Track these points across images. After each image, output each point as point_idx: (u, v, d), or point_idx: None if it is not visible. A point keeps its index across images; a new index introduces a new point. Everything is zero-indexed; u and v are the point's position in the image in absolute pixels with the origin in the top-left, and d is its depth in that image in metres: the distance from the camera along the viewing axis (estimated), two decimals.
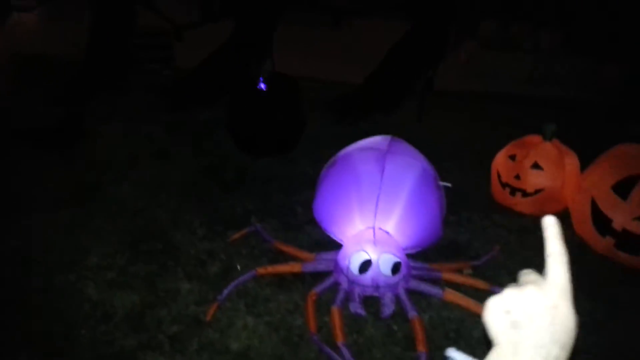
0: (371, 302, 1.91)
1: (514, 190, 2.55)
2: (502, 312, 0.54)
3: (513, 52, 4.70)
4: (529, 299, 0.53)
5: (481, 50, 4.71)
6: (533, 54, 4.65)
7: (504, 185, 2.58)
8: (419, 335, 1.75)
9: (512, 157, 2.57)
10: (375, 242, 1.95)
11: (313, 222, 2.27)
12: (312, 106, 3.22)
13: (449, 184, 2.34)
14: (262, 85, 2.94)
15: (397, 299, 1.89)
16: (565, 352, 0.52)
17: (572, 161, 2.53)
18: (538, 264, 1.90)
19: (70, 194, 2.50)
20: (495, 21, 4.74)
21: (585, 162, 2.53)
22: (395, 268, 1.88)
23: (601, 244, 2.28)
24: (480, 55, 4.62)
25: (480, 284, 2.01)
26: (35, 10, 5.19)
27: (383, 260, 1.88)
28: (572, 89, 4.24)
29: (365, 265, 1.88)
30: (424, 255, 2.16)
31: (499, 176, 2.62)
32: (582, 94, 4.14)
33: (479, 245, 2.36)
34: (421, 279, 2.00)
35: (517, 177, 2.52)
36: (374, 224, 2.03)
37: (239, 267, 2.07)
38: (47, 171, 2.67)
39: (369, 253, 1.89)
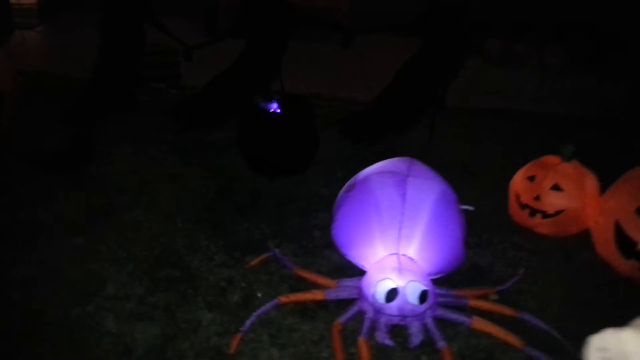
0: (398, 330, 1.86)
1: (533, 212, 2.52)
2: (598, 349, 0.59)
3: (518, 70, 4.70)
4: (626, 340, 0.57)
5: (486, 67, 4.70)
6: (538, 72, 4.65)
7: (523, 206, 2.55)
8: None
9: (531, 178, 2.55)
10: (400, 270, 1.91)
11: (332, 247, 2.23)
12: (323, 125, 3.19)
13: (471, 207, 2.31)
14: (274, 106, 2.91)
15: (425, 328, 1.84)
16: None
17: (591, 182, 2.50)
18: (561, 287, 1.86)
19: (82, 219, 2.44)
20: (500, 38, 4.75)
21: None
22: (423, 297, 1.83)
23: (625, 266, 2.24)
24: (485, 72, 4.61)
25: (507, 310, 1.96)
26: (39, 27, 5.15)
27: (410, 289, 1.83)
28: (578, 107, 4.24)
29: (392, 294, 1.83)
30: (447, 281, 2.11)
31: (517, 197, 2.59)
32: (588, 112, 4.14)
33: (501, 268, 2.32)
34: (447, 306, 1.96)
35: (537, 198, 2.49)
36: (397, 250, 1.99)
37: (259, 295, 2.02)
38: (56, 196, 2.61)
39: (395, 281, 1.85)
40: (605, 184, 2.49)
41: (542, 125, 3.85)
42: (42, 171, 2.82)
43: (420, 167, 2.28)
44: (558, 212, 2.47)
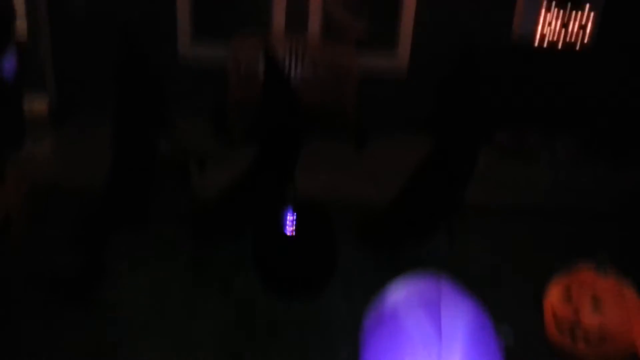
0: None
1: (572, 330, 2.34)
2: None
3: (531, 162, 4.67)
4: None
5: (498, 160, 4.66)
6: (551, 163, 4.62)
7: (561, 324, 2.38)
8: None
9: (567, 294, 2.39)
10: None
11: None
12: (339, 233, 3.08)
13: (511, 335, 2.15)
14: (290, 218, 2.83)
15: None
16: None
17: (631, 295, 2.35)
18: None
19: (89, 357, 2.27)
20: (510, 130, 4.76)
21: None
22: None
23: None
24: (497, 166, 4.57)
25: None
26: (50, 135, 5.20)
27: None
28: (594, 199, 4.17)
29: None
30: None
31: (554, 315, 2.42)
32: (605, 204, 4.07)
33: None
34: None
35: (575, 315, 2.33)
36: None
37: None
38: (61, 328, 2.46)
39: None
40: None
41: (562, 222, 3.75)
42: (50, 298, 2.68)
43: (450, 289, 2.13)
44: (600, 331, 2.29)
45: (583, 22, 4.61)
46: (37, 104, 5.40)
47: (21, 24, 5.66)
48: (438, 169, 3.20)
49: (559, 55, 4.68)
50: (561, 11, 4.61)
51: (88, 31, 5.34)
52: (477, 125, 3.29)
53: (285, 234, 2.82)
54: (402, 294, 2.17)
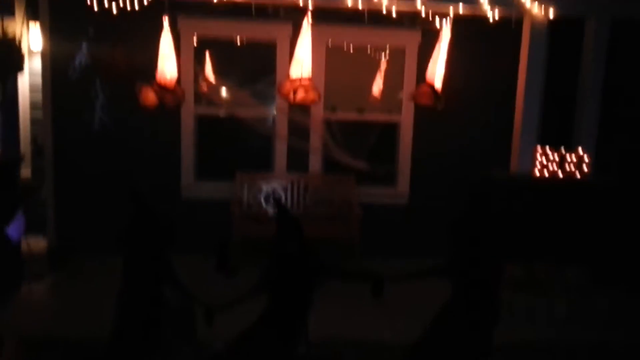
0: None
1: None
2: None
3: (543, 294, 4.59)
4: None
5: (511, 294, 4.57)
6: (562, 294, 4.55)
7: None
8: None
9: None
10: None
11: None
12: None
13: None
14: None
15: None
16: None
17: None
18: None
19: None
20: (519, 263, 4.73)
21: None
22: None
23: None
24: (510, 300, 4.47)
25: None
26: (48, 277, 5.01)
27: None
28: (610, 328, 4.06)
29: None
30: None
31: None
32: (622, 334, 3.96)
33: None
34: None
35: None
36: None
37: None
38: None
39: None
40: None
41: (578, 355, 3.61)
42: None
43: None
44: None
45: (578, 159, 4.87)
46: (36, 245, 5.31)
47: (26, 168, 5.79)
48: (462, 314, 3.09)
49: (562, 186, 4.85)
50: (555, 153, 4.87)
51: (92, 178, 5.45)
52: (495, 263, 3.25)
53: None
54: None
